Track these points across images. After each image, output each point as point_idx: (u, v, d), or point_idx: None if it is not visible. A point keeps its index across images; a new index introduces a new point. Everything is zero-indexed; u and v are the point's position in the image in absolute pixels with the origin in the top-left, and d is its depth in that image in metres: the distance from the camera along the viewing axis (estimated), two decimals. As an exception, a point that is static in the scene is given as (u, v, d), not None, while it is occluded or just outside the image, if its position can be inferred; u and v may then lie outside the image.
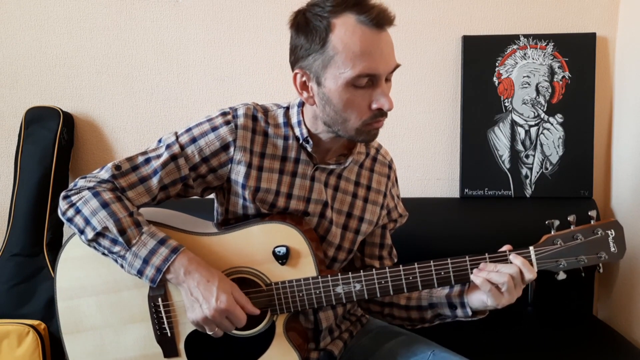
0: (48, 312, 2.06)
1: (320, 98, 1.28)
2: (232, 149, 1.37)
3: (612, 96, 2.20)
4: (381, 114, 1.28)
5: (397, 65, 1.28)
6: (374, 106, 1.26)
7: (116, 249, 1.28)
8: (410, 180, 2.25)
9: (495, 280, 1.27)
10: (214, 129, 1.37)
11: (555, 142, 2.17)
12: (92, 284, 1.38)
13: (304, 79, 1.29)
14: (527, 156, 2.18)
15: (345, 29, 1.21)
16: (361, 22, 1.21)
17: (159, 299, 1.36)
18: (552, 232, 1.31)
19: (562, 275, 1.30)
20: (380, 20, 1.21)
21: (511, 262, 1.29)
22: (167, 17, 2.21)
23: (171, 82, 2.25)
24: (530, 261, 1.29)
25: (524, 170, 2.18)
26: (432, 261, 1.32)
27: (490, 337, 1.92)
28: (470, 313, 1.39)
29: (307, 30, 1.25)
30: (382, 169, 1.54)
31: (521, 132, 2.17)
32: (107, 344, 1.39)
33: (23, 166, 2.16)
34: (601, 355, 1.82)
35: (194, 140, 1.36)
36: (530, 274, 1.27)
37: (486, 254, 1.30)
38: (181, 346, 1.38)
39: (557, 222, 1.30)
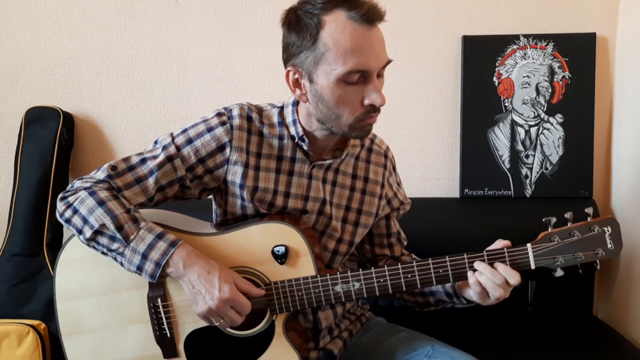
0: (48, 312, 2.06)
1: (313, 95, 1.29)
2: (228, 150, 1.37)
3: (612, 96, 2.19)
4: (374, 109, 1.28)
5: (389, 61, 1.28)
6: (366, 102, 1.26)
7: (114, 246, 1.29)
8: (410, 180, 2.25)
9: (485, 285, 1.28)
10: (210, 129, 1.37)
11: (555, 142, 2.17)
12: (91, 286, 1.38)
13: (296, 76, 1.30)
14: (527, 156, 2.18)
15: (335, 26, 1.21)
16: (351, 19, 1.21)
17: (158, 300, 1.36)
18: (549, 229, 1.31)
19: (559, 272, 1.30)
20: (371, 16, 1.21)
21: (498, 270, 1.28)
22: (167, 17, 2.21)
23: (171, 82, 2.25)
24: (527, 258, 1.29)
25: (524, 170, 2.18)
26: (430, 259, 1.32)
27: (490, 337, 1.92)
28: (465, 302, 1.41)
29: (298, 28, 1.25)
30: (378, 159, 1.54)
31: (521, 132, 2.17)
32: (107, 345, 1.39)
33: (23, 166, 2.16)
34: (601, 355, 1.82)
35: (190, 141, 1.37)
36: (513, 280, 1.26)
37: (484, 252, 1.30)
38: (181, 347, 1.38)
39: (554, 219, 1.31)
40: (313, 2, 1.24)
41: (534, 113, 2.17)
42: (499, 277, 1.26)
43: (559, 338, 1.92)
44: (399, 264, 1.33)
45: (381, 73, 1.29)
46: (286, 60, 1.31)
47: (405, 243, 1.64)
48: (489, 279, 1.27)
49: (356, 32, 1.21)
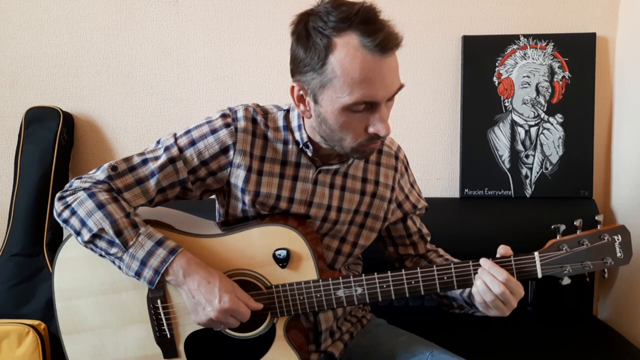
0: (48, 312, 2.06)
1: (317, 115, 1.26)
2: (231, 152, 1.36)
3: (612, 96, 2.19)
4: (377, 137, 1.25)
5: (401, 87, 1.24)
6: (371, 130, 1.23)
7: (113, 250, 1.28)
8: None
9: (483, 295, 1.26)
10: (214, 131, 1.35)
11: (555, 142, 2.17)
12: (90, 285, 1.38)
13: (300, 92, 1.26)
14: (527, 156, 2.18)
15: (346, 52, 1.15)
16: (364, 46, 1.14)
17: (158, 301, 1.36)
18: (558, 237, 1.29)
19: (566, 281, 1.28)
20: (386, 45, 1.15)
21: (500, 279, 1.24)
22: (167, 17, 2.21)
23: (171, 82, 2.25)
24: (534, 267, 1.27)
25: (524, 170, 2.18)
26: (435, 266, 1.30)
27: (490, 337, 1.92)
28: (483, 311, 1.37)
29: (307, 45, 1.20)
30: (388, 161, 1.51)
31: (521, 132, 2.17)
32: (107, 344, 1.39)
33: (23, 166, 2.16)
34: (601, 355, 1.82)
35: (193, 143, 1.35)
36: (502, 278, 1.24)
37: (490, 259, 1.28)
38: (181, 347, 1.38)
39: (562, 227, 1.28)
40: (325, 18, 1.17)
41: (534, 113, 2.17)
42: (497, 284, 1.24)
43: (559, 338, 1.92)
44: (403, 269, 1.31)
45: (391, 98, 1.24)
46: (292, 73, 1.27)
47: (428, 239, 1.61)
48: (487, 287, 1.24)
49: (367, 62, 1.15)
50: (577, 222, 1.28)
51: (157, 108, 2.27)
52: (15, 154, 2.19)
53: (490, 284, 1.24)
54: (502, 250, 1.30)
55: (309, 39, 1.19)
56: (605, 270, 1.30)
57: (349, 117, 1.21)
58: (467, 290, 1.36)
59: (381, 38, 1.14)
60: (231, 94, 2.26)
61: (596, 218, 1.29)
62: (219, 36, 2.22)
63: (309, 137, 1.37)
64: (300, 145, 1.38)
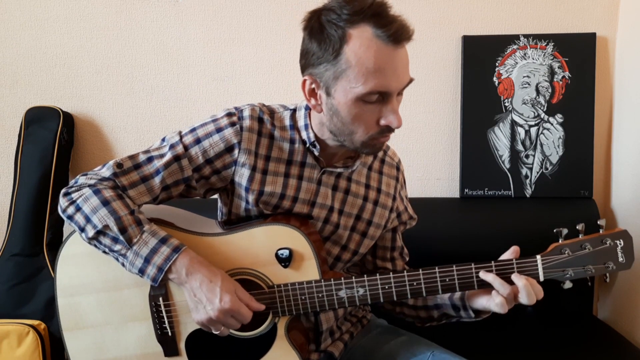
0: (48, 312, 2.06)
1: (329, 108, 1.27)
2: (236, 151, 1.36)
3: (612, 96, 2.20)
4: (389, 129, 1.27)
5: (411, 80, 1.26)
6: (383, 122, 1.25)
7: (117, 247, 1.28)
8: (410, 180, 2.24)
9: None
10: (219, 130, 1.36)
11: (555, 142, 2.17)
12: (92, 282, 1.38)
13: (313, 86, 1.27)
14: (527, 156, 2.18)
15: (360, 42, 1.18)
16: (378, 37, 1.17)
17: (160, 299, 1.36)
18: (560, 241, 1.29)
19: (568, 285, 1.28)
20: (399, 36, 1.18)
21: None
22: (167, 17, 2.21)
23: (171, 82, 2.25)
24: (536, 270, 1.27)
25: (524, 170, 2.18)
26: (437, 267, 1.30)
27: (490, 337, 1.92)
28: (473, 315, 1.38)
29: (321, 38, 1.21)
30: (390, 171, 1.53)
31: (521, 132, 2.17)
32: (108, 341, 1.39)
33: (23, 166, 2.16)
34: (601, 355, 1.83)
35: (198, 141, 1.36)
36: (528, 299, 1.25)
37: (492, 262, 1.29)
38: (182, 345, 1.38)
39: (565, 231, 1.28)
40: (339, 11, 1.20)
41: (534, 113, 2.17)
42: (507, 288, 1.26)
43: (559, 338, 1.93)
44: (405, 271, 1.31)
45: (401, 92, 1.27)
46: (304, 67, 1.28)
47: (407, 259, 1.62)
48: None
49: (381, 52, 1.17)
50: (579, 226, 1.29)
51: (157, 108, 2.27)
52: (15, 154, 2.18)
53: (501, 288, 1.26)
54: (511, 253, 1.31)
55: (322, 32, 1.21)
56: (607, 274, 1.30)
57: (361, 108, 1.23)
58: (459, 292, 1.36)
59: (394, 29, 1.17)
60: (231, 94, 2.26)
61: (598, 222, 1.29)
62: (219, 36, 2.22)
63: (315, 136, 1.37)
64: (307, 145, 1.38)
